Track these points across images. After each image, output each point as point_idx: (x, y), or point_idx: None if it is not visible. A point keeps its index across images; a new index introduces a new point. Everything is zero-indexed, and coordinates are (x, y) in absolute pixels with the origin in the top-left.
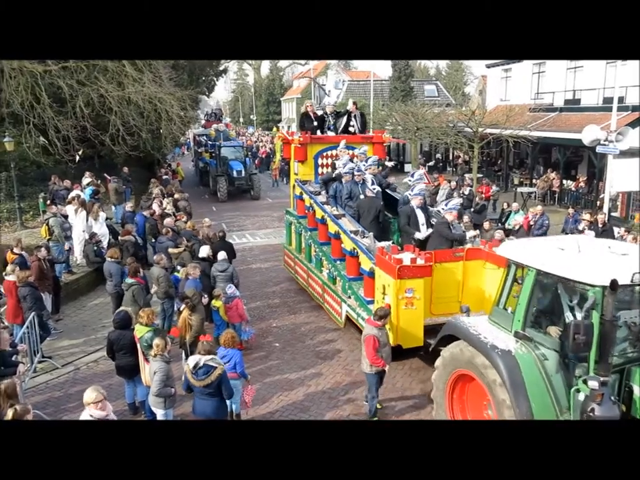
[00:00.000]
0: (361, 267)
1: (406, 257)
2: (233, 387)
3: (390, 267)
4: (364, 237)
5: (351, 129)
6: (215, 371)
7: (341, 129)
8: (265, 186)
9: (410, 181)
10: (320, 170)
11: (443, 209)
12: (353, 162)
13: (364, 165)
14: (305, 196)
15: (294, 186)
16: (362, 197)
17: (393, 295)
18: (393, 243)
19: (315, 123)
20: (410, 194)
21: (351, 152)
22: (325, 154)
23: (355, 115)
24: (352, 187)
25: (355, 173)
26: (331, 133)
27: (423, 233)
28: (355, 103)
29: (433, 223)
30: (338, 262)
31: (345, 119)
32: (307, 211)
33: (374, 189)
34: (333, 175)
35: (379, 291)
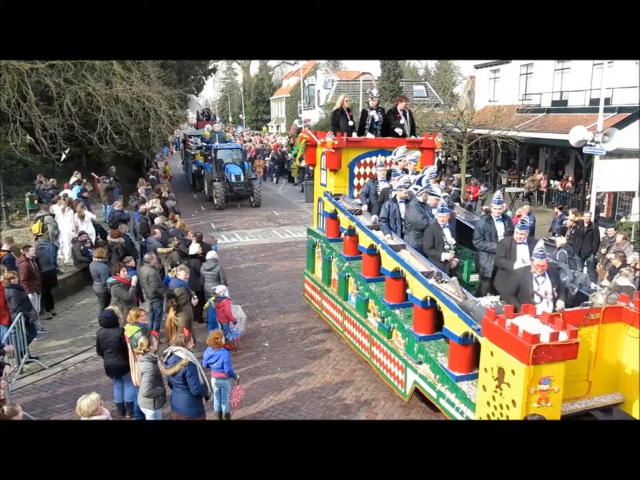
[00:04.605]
0: (445, 326)
1: (543, 330)
2: (221, 387)
3: (517, 344)
4: (441, 281)
5: (397, 130)
6: (180, 362)
7: (373, 128)
8: None
9: (495, 207)
10: (356, 181)
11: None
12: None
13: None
14: (340, 215)
15: (320, 200)
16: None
17: (522, 388)
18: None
19: (351, 123)
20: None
21: (388, 158)
22: (362, 161)
23: (405, 113)
24: (420, 208)
25: (427, 191)
26: (370, 135)
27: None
28: (405, 98)
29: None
30: (398, 309)
31: (371, 116)
32: (343, 235)
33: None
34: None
35: (488, 374)
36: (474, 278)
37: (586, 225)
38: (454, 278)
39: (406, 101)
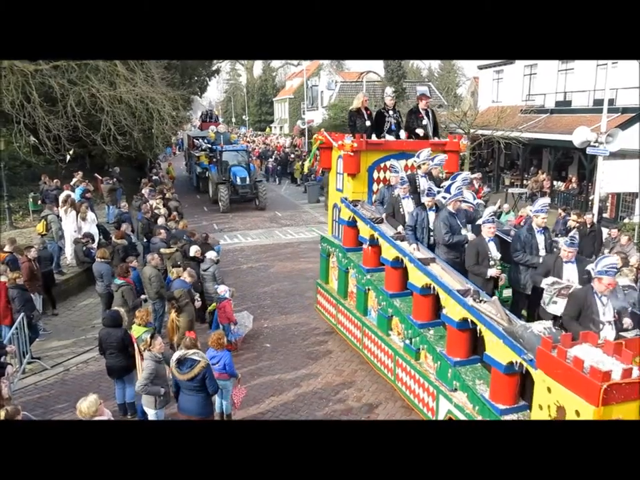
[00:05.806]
0: (487, 352)
1: (611, 365)
2: (222, 387)
3: (583, 382)
4: (479, 300)
5: (419, 130)
6: (198, 364)
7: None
8: None
9: (542, 215)
10: (375, 187)
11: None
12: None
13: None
14: (360, 223)
15: (335, 206)
16: (464, 232)
17: None
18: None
19: (368, 123)
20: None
21: (409, 162)
22: (382, 165)
23: (427, 113)
24: (450, 219)
25: (458, 198)
26: (390, 137)
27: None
28: (426, 96)
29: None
30: (428, 329)
31: (388, 121)
32: (364, 245)
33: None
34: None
35: (543, 412)
36: (507, 293)
37: (589, 225)
38: (494, 297)
39: (427, 99)
